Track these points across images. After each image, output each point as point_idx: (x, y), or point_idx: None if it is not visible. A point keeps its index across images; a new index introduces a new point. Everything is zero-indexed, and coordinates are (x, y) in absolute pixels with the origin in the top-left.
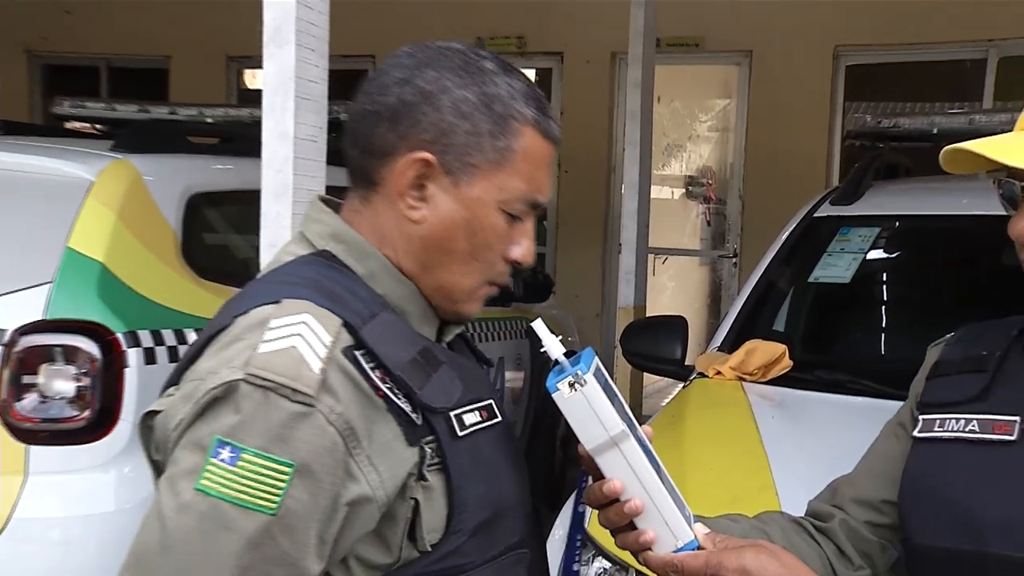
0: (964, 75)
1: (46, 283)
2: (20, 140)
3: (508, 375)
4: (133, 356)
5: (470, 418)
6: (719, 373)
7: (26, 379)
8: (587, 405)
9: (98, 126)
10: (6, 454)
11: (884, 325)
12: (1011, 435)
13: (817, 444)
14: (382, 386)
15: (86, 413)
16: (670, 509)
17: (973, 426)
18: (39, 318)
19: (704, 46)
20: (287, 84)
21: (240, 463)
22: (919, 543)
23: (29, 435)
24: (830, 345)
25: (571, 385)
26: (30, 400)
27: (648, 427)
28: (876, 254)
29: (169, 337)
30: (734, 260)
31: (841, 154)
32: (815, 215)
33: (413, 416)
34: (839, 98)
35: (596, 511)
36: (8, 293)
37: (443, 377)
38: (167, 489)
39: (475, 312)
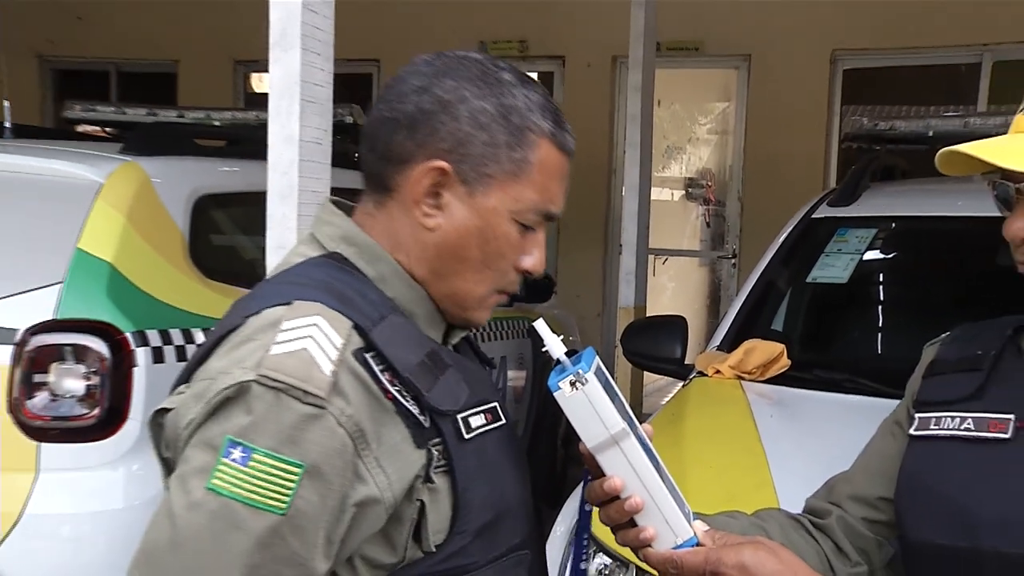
0: (959, 79)
1: (56, 283)
2: (31, 143)
3: (510, 374)
4: (141, 355)
5: (476, 420)
6: (718, 372)
7: (37, 378)
8: (588, 404)
9: (108, 129)
10: (18, 451)
11: (881, 325)
12: (1006, 433)
13: (815, 442)
14: (391, 388)
15: (96, 411)
16: (670, 506)
17: (968, 424)
18: (49, 318)
19: (704, 50)
20: (293, 88)
21: (251, 463)
22: (915, 539)
23: (40, 433)
24: (828, 344)
25: (572, 384)
26: (41, 398)
27: (648, 425)
28: (873, 255)
29: (177, 336)
30: (733, 261)
31: (838, 156)
32: (813, 216)
33: (421, 418)
34: (836, 101)
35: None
36: (19, 293)
37: (450, 380)
38: (178, 487)
39: (485, 320)
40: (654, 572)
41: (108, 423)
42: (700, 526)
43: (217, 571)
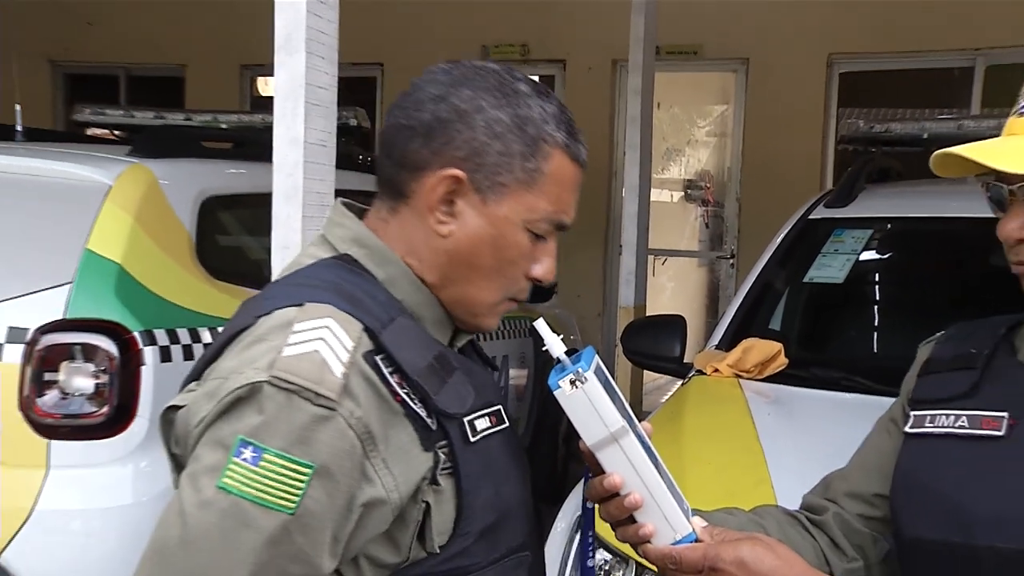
0: (953, 82)
1: (66, 283)
2: (42, 146)
3: (512, 373)
4: (149, 354)
5: (481, 423)
6: (717, 371)
7: (47, 376)
8: (588, 402)
9: (117, 132)
10: (29, 448)
11: (876, 324)
12: (999, 430)
13: (812, 439)
14: (400, 391)
15: (104, 409)
16: (669, 503)
17: (963, 422)
18: (59, 317)
19: (702, 54)
20: (298, 91)
21: (262, 463)
22: (910, 535)
23: (50, 430)
24: (824, 343)
25: (572, 383)
26: (51, 396)
27: (647, 423)
28: (869, 255)
29: (184, 336)
30: (731, 261)
31: (835, 158)
32: (810, 217)
33: (428, 421)
34: (833, 104)
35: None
36: (30, 293)
37: (457, 382)
38: (189, 485)
39: (494, 326)
40: (653, 568)
41: (117, 421)
42: (698, 522)
43: (226, 568)
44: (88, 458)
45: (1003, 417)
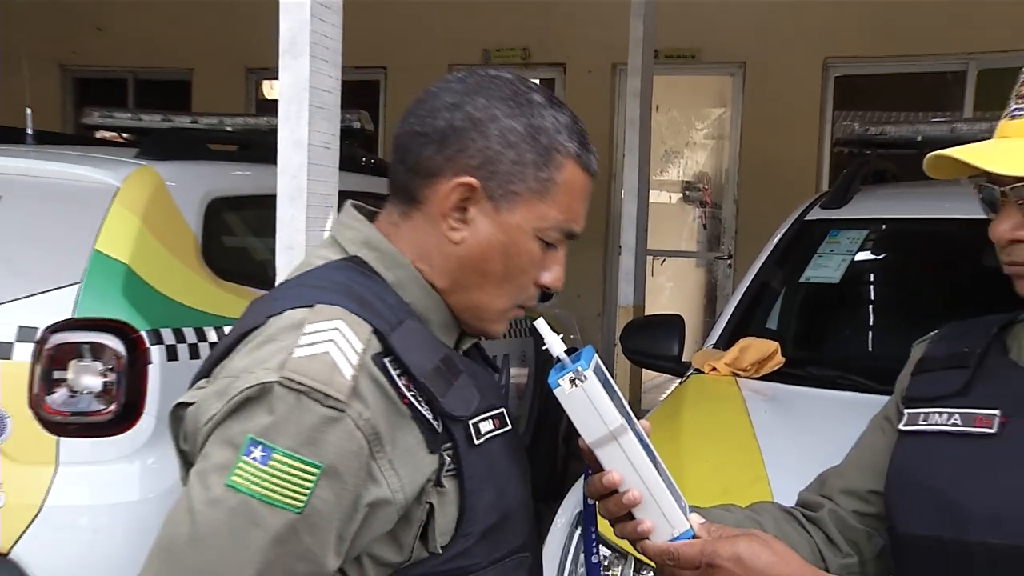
0: (946, 86)
1: (75, 283)
2: (52, 149)
3: (512, 371)
4: (156, 353)
5: (485, 426)
6: (714, 369)
7: (56, 374)
8: (587, 400)
9: (125, 135)
10: (38, 445)
11: (871, 323)
12: (991, 428)
13: (808, 437)
14: (407, 393)
15: (112, 407)
16: (667, 500)
17: (956, 419)
18: (68, 317)
19: (700, 57)
20: (302, 94)
21: (271, 462)
22: (904, 532)
23: (59, 427)
24: (820, 342)
25: (572, 381)
26: (60, 394)
27: (646, 422)
28: (864, 255)
29: (190, 335)
30: (729, 261)
31: (830, 160)
32: (806, 218)
33: (434, 423)
34: (828, 107)
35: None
36: (39, 293)
37: (462, 385)
38: (198, 483)
39: (502, 332)
40: (652, 564)
41: (124, 418)
42: (696, 519)
43: (234, 566)
44: (96, 455)
45: (995, 415)
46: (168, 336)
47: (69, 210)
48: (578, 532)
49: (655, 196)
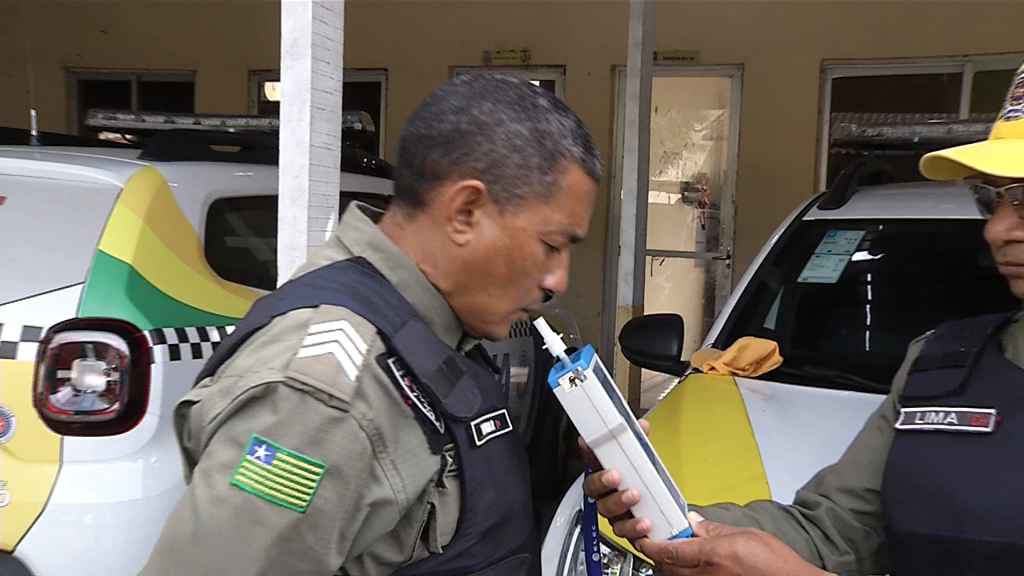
0: (942, 88)
1: (79, 283)
2: (56, 150)
3: (513, 371)
4: (159, 352)
5: (486, 427)
6: (713, 369)
7: (60, 374)
8: (587, 400)
9: (128, 136)
10: (43, 444)
11: (868, 323)
12: (987, 427)
13: (805, 436)
14: (411, 394)
15: (115, 406)
16: (665, 498)
17: (952, 418)
18: (72, 316)
19: (699, 59)
20: (303, 95)
21: (275, 462)
22: (901, 530)
23: (63, 426)
24: (818, 342)
25: (571, 381)
26: (64, 393)
27: (645, 421)
28: (861, 256)
29: (192, 335)
30: (727, 262)
31: (828, 161)
32: (804, 219)
33: (437, 424)
34: (826, 109)
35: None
36: (43, 293)
37: (464, 386)
38: (202, 481)
39: (504, 334)
40: (650, 562)
41: (127, 417)
42: (695, 517)
43: (237, 563)
44: (100, 454)
45: (991, 413)
46: (171, 336)
47: (73, 211)
48: (578, 530)
49: (654, 197)
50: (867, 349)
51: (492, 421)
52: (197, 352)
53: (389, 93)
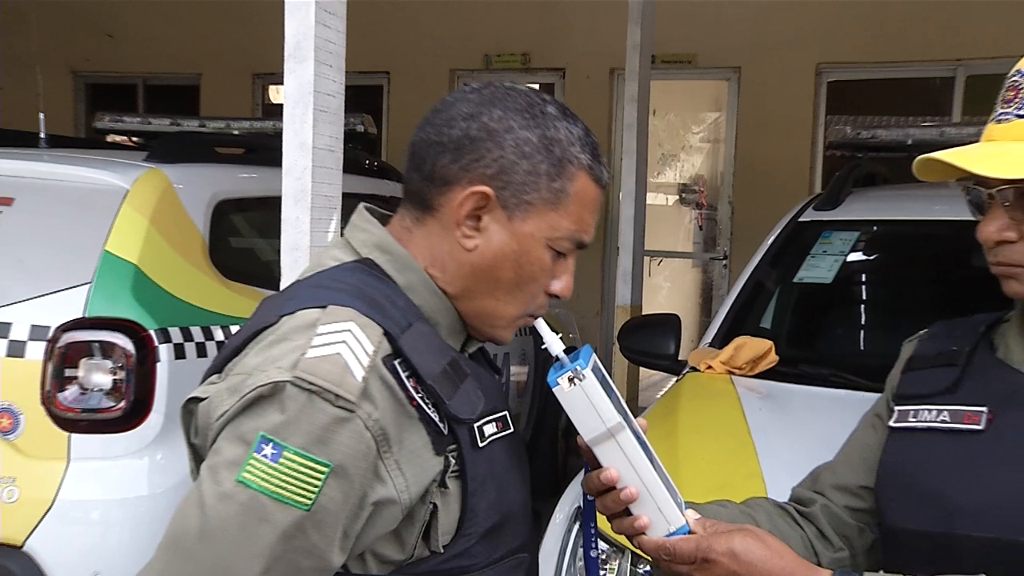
0: (935, 91)
1: (85, 283)
2: (64, 152)
3: (513, 369)
4: (164, 351)
5: (488, 429)
6: (710, 367)
7: (68, 372)
8: (585, 399)
9: (135, 139)
10: (51, 441)
11: (863, 322)
12: (979, 425)
13: (801, 434)
14: (416, 396)
15: (122, 404)
16: (663, 496)
17: (944, 416)
18: (79, 316)
19: (696, 63)
20: (306, 98)
21: (281, 460)
22: (894, 526)
23: (71, 424)
24: (813, 341)
25: (570, 380)
26: (71, 392)
27: (643, 420)
28: (856, 256)
29: (197, 334)
30: (724, 262)
31: (823, 163)
32: (799, 220)
33: (440, 426)
34: (821, 111)
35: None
36: (51, 293)
37: (468, 388)
38: (209, 478)
39: (509, 339)
40: (649, 558)
41: (133, 415)
42: (692, 515)
43: (242, 560)
44: (106, 451)
45: (982, 412)
46: (176, 335)
47: (80, 212)
48: (577, 527)
49: (652, 198)
50: (861, 348)
51: (494, 423)
52: (202, 351)
53: (391, 96)
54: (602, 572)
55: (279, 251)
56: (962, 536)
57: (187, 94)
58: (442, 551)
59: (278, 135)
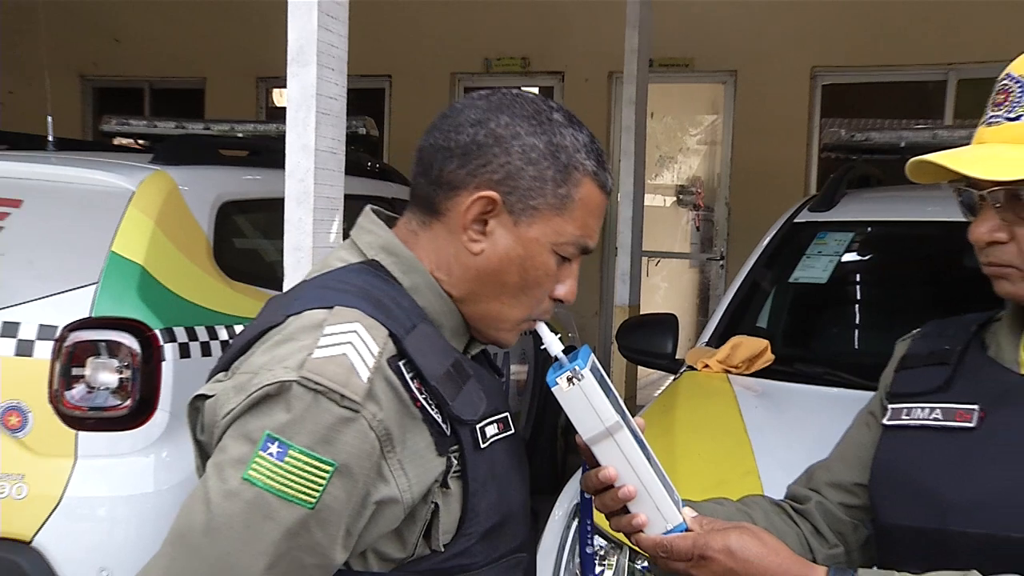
0: (928, 95)
1: (92, 284)
2: (72, 155)
3: (513, 368)
4: (169, 351)
5: (490, 430)
6: (707, 366)
7: (75, 371)
8: (584, 398)
9: (141, 141)
10: (58, 439)
11: (857, 322)
12: (971, 422)
13: (797, 431)
14: (419, 397)
15: (128, 402)
16: (660, 494)
17: (937, 414)
18: (86, 315)
19: (693, 66)
20: (309, 101)
21: (287, 458)
22: (888, 522)
23: (78, 422)
24: (808, 340)
25: (569, 380)
26: (78, 390)
27: (640, 419)
28: (850, 257)
29: (202, 333)
30: (721, 262)
31: (818, 165)
32: (795, 221)
33: (443, 427)
34: (816, 114)
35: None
36: (58, 293)
37: (471, 390)
38: (215, 475)
39: (513, 342)
40: (646, 555)
41: (139, 413)
42: (689, 512)
43: (247, 555)
44: (113, 448)
45: (974, 409)
46: (181, 334)
47: (87, 213)
48: (575, 523)
49: (650, 199)
50: (856, 347)
51: (496, 424)
52: (206, 350)
53: (392, 99)
54: (600, 568)
55: (282, 252)
56: (955, 532)
57: (192, 97)
58: (442, 550)
59: (281, 138)
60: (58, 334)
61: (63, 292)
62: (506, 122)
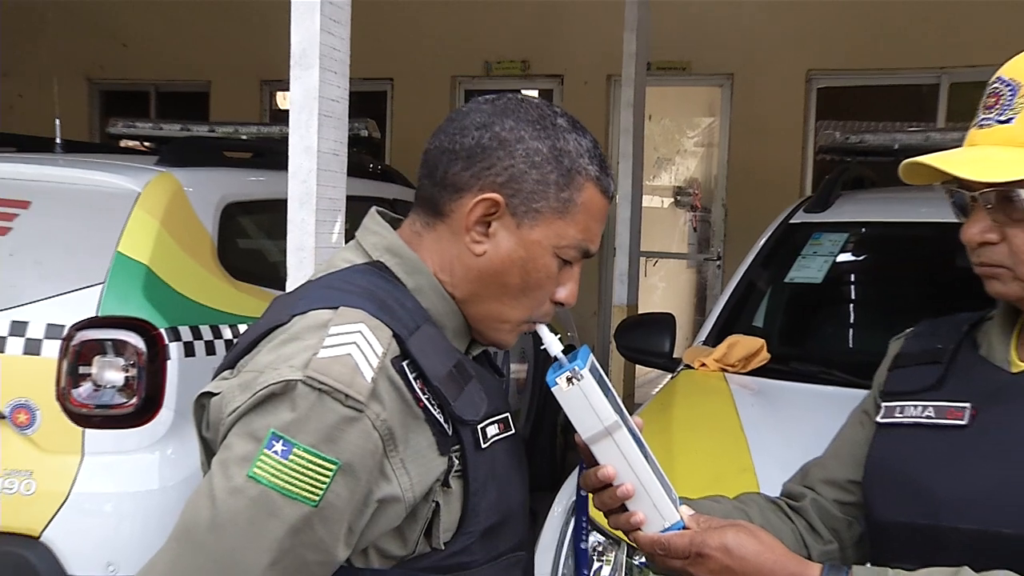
0: (921, 97)
1: (99, 284)
2: (79, 157)
3: (513, 367)
4: (174, 350)
5: (491, 430)
6: (704, 365)
7: (82, 369)
8: (583, 398)
9: (147, 143)
10: (66, 436)
11: (852, 321)
12: (962, 420)
13: (792, 429)
14: (422, 397)
15: (133, 400)
16: (658, 493)
17: (929, 412)
18: (92, 315)
19: (691, 69)
20: (312, 103)
21: (291, 457)
22: (881, 519)
23: (85, 420)
24: (804, 339)
25: (569, 380)
26: (85, 388)
27: (638, 418)
28: (845, 257)
29: (206, 332)
30: (718, 263)
31: (813, 167)
32: (790, 222)
33: (445, 427)
34: (811, 117)
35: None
36: (66, 293)
37: (472, 390)
38: (220, 472)
39: (512, 343)
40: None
41: (145, 411)
42: (686, 510)
43: (251, 552)
44: (119, 446)
45: (966, 408)
46: (186, 333)
47: (94, 214)
48: (573, 520)
49: (648, 201)
50: (850, 346)
51: (497, 424)
52: (211, 349)
53: (394, 101)
54: (599, 563)
55: (285, 252)
56: (947, 528)
57: (197, 100)
58: (443, 548)
59: (284, 140)
60: (65, 333)
61: (70, 292)
62: (511, 126)
